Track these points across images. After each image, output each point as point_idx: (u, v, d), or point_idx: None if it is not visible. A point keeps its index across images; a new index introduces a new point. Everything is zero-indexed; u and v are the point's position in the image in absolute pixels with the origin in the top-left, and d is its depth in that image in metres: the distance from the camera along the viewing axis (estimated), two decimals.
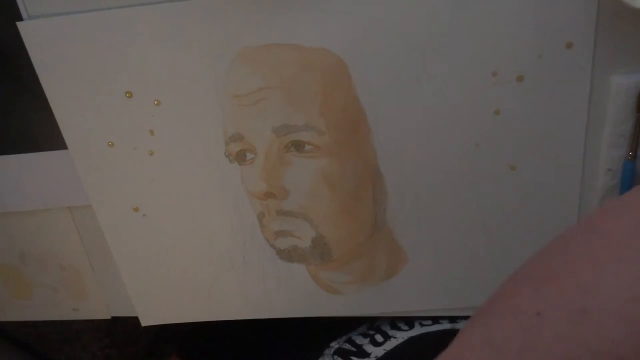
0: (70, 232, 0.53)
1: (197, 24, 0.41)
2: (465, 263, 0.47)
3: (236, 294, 0.52)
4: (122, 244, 0.51)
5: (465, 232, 0.45)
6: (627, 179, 0.42)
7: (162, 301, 0.54)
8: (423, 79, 0.40)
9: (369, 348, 0.48)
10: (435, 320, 0.50)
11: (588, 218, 0.25)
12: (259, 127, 0.43)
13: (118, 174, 0.47)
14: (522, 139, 0.41)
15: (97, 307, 0.58)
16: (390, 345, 0.47)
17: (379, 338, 0.49)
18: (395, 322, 0.51)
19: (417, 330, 0.49)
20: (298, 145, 0.43)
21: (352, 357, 0.47)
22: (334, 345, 0.50)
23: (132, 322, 0.56)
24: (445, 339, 0.47)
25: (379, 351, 0.47)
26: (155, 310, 0.55)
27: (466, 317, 0.50)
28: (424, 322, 0.50)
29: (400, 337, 0.48)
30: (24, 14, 0.42)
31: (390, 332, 0.49)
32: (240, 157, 0.45)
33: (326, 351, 0.49)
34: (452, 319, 0.50)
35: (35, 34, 0.42)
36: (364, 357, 0.46)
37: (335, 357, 0.48)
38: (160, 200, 0.48)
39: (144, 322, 0.56)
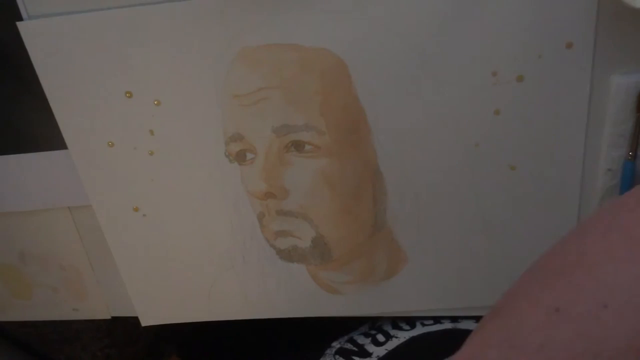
0: (70, 232, 0.53)
1: (197, 24, 0.41)
2: (465, 263, 0.47)
3: (236, 294, 0.52)
4: (122, 244, 0.51)
5: (465, 232, 0.45)
6: (627, 179, 0.42)
7: (162, 301, 0.54)
8: (423, 79, 0.40)
9: (370, 348, 0.48)
10: (437, 320, 0.50)
11: (602, 212, 0.25)
12: (259, 127, 0.43)
13: (118, 174, 0.47)
14: (522, 139, 0.41)
15: (97, 307, 0.58)
16: (391, 345, 0.47)
17: (380, 338, 0.49)
18: (396, 321, 0.51)
19: (419, 330, 0.49)
20: (298, 145, 0.43)
21: (354, 357, 0.47)
22: (336, 345, 0.50)
23: (132, 322, 0.56)
24: (447, 338, 0.47)
25: (381, 351, 0.47)
26: (155, 310, 0.55)
27: (467, 317, 0.50)
28: (426, 322, 0.50)
29: (401, 336, 0.48)
30: (24, 14, 0.42)
31: (392, 332, 0.49)
32: (240, 157, 0.45)
33: (327, 351, 0.49)
34: (454, 319, 0.50)
35: (35, 34, 0.42)
36: (366, 357, 0.46)
37: (337, 357, 0.48)
38: (160, 200, 0.48)
39: (144, 322, 0.56)
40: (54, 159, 0.49)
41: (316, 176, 0.44)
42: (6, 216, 0.53)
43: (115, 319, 0.59)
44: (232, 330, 0.56)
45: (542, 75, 0.39)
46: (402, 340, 0.48)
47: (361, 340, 0.49)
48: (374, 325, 0.52)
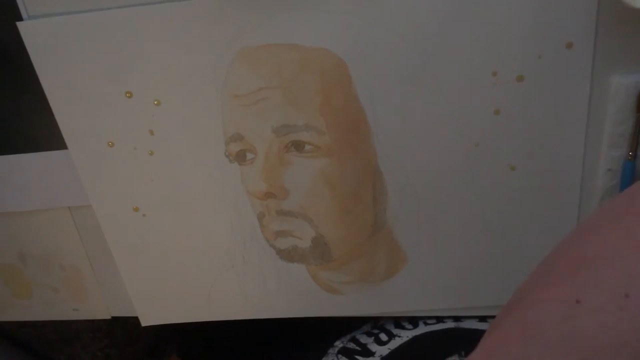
0: (70, 232, 0.53)
1: (197, 24, 0.41)
2: (465, 263, 0.47)
3: (236, 294, 0.52)
4: (122, 244, 0.51)
5: (465, 232, 0.45)
6: (627, 179, 0.42)
7: (162, 301, 0.54)
8: (423, 79, 0.40)
9: (373, 347, 0.47)
10: (440, 319, 0.50)
11: (617, 200, 0.24)
12: (259, 127, 0.43)
13: (118, 174, 0.47)
14: (522, 139, 0.41)
15: (97, 307, 0.58)
16: (394, 344, 0.47)
17: (383, 337, 0.49)
18: (399, 321, 0.51)
19: (422, 329, 0.49)
20: (298, 145, 0.43)
21: (357, 356, 0.47)
22: (338, 344, 0.50)
23: (132, 322, 0.56)
24: (449, 337, 0.47)
25: (384, 350, 0.47)
26: (155, 310, 0.55)
27: (469, 317, 0.50)
28: (428, 321, 0.50)
29: (404, 335, 0.48)
30: (24, 14, 0.42)
31: (395, 331, 0.49)
32: (240, 157, 0.45)
33: (330, 350, 0.49)
34: (457, 318, 0.50)
35: (35, 34, 0.42)
36: (369, 356, 0.46)
37: (340, 356, 0.48)
38: (160, 200, 0.48)
39: (144, 322, 0.56)
40: (54, 159, 0.49)
41: (316, 176, 0.44)
42: (6, 216, 0.53)
43: (115, 319, 0.59)
44: (232, 330, 0.56)
45: (542, 75, 0.39)
46: (405, 339, 0.47)
47: (364, 339, 0.49)
48: (377, 324, 0.52)
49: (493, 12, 0.38)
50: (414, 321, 0.50)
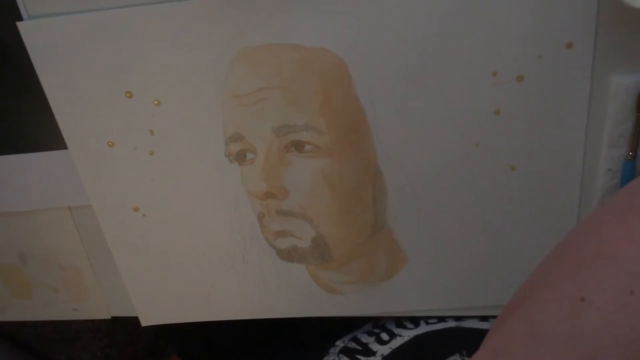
0: (70, 232, 0.53)
1: (197, 24, 0.41)
2: (465, 263, 0.47)
3: (236, 294, 0.52)
4: (122, 244, 0.51)
5: (465, 232, 0.45)
6: (627, 179, 0.42)
7: (162, 301, 0.54)
8: (423, 79, 0.40)
9: (374, 346, 0.47)
10: (441, 318, 0.50)
11: (617, 198, 0.24)
12: (259, 127, 0.43)
13: (118, 174, 0.47)
14: (522, 139, 0.41)
15: (97, 307, 0.58)
16: (396, 343, 0.47)
17: (384, 336, 0.49)
18: (400, 320, 0.51)
19: (423, 329, 0.49)
20: (298, 145, 0.43)
21: (358, 356, 0.47)
22: (339, 344, 0.50)
23: (132, 322, 0.56)
24: (451, 337, 0.47)
25: (385, 349, 0.47)
26: (155, 310, 0.55)
27: (470, 317, 0.50)
28: (430, 321, 0.50)
29: (406, 335, 0.48)
30: (24, 14, 0.42)
31: (396, 331, 0.49)
32: (240, 157, 0.45)
33: (331, 350, 0.49)
34: (458, 318, 0.50)
35: (35, 34, 0.42)
36: (370, 356, 0.46)
37: (341, 355, 0.48)
38: (160, 200, 0.48)
39: (144, 322, 0.56)
40: (54, 159, 0.49)
41: (316, 176, 0.44)
42: (6, 216, 0.53)
43: (115, 319, 0.59)
44: (232, 330, 0.56)
45: (542, 75, 0.39)
46: (406, 339, 0.47)
47: (365, 338, 0.49)
48: (378, 323, 0.52)
49: (493, 12, 0.38)
50: (415, 320, 0.50)
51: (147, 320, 0.56)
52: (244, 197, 0.47)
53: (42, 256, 0.55)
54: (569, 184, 0.43)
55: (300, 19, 0.39)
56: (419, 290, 0.48)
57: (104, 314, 0.58)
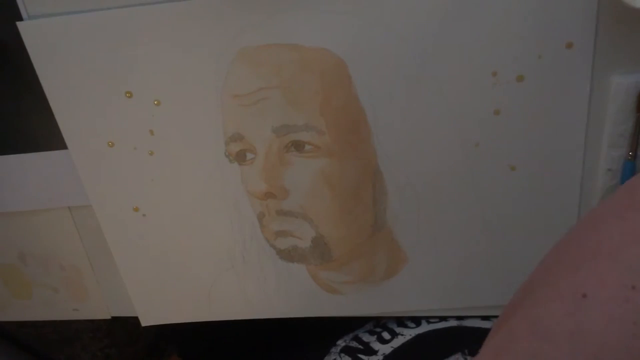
0: (70, 232, 0.53)
1: (197, 24, 0.41)
2: (465, 263, 0.47)
3: (236, 294, 0.52)
4: (122, 244, 0.51)
5: (465, 232, 0.45)
6: (627, 179, 0.42)
7: (162, 301, 0.54)
8: (423, 79, 0.40)
9: (376, 345, 0.47)
10: (443, 317, 0.50)
11: (616, 196, 0.24)
12: (259, 127, 0.43)
13: (118, 174, 0.47)
14: (522, 139, 0.41)
15: (97, 307, 0.58)
16: (397, 342, 0.47)
17: (386, 335, 0.49)
18: (402, 319, 0.51)
19: (424, 328, 0.49)
20: (298, 145, 0.43)
21: (359, 355, 0.47)
22: (341, 343, 0.50)
23: (132, 322, 0.56)
24: (452, 336, 0.47)
25: (386, 348, 0.47)
26: (155, 310, 0.55)
27: (470, 317, 0.50)
28: (431, 320, 0.50)
29: (407, 334, 0.48)
30: (24, 14, 0.42)
31: (397, 330, 0.49)
32: (240, 157, 0.45)
33: (333, 349, 0.49)
34: (459, 317, 0.50)
35: (35, 34, 0.42)
36: (371, 355, 0.46)
37: (342, 354, 0.48)
38: (160, 200, 0.48)
39: (144, 322, 0.56)
40: (54, 159, 0.49)
41: (316, 176, 0.44)
42: (6, 216, 0.53)
43: (115, 319, 0.59)
44: (232, 330, 0.56)
45: (542, 75, 0.39)
46: (407, 338, 0.47)
47: (366, 338, 0.49)
48: (379, 322, 0.52)
49: (493, 12, 0.38)
50: (416, 320, 0.50)
51: (147, 320, 0.56)
52: (244, 197, 0.47)
53: (42, 256, 0.55)
54: (569, 184, 0.43)
55: (300, 19, 0.39)
56: (419, 290, 0.48)
57: (104, 314, 0.58)
